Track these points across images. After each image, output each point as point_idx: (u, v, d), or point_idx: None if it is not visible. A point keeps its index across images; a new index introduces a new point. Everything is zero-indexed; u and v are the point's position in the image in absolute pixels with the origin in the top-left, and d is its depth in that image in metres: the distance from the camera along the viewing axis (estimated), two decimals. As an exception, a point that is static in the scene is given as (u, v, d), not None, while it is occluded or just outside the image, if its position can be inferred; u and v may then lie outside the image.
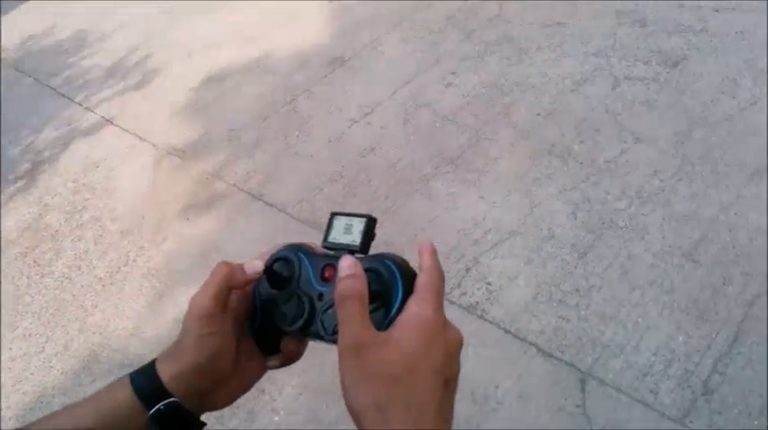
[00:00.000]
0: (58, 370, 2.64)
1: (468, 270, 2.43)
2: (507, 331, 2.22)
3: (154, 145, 3.75)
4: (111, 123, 4.05)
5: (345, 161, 3.18)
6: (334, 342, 0.55)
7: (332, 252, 0.61)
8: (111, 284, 2.97)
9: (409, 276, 0.55)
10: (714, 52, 3.18)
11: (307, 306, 0.59)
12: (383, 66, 3.78)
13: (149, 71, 4.45)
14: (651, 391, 1.95)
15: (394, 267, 0.56)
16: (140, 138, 3.84)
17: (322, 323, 0.58)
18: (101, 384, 2.33)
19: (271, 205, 3.09)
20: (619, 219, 2.51)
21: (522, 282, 2.38)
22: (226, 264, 0.60)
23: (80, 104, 4.33)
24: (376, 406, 0.49)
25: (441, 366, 0.51)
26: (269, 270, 0.62)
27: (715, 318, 2.09)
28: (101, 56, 4.84)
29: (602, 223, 2.52)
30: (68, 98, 4.43)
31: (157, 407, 0.57)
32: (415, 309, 0.53)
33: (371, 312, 0.53)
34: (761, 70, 3.00)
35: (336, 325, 0.54)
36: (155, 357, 0.61)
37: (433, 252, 0.58)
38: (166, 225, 3.19)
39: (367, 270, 0.55)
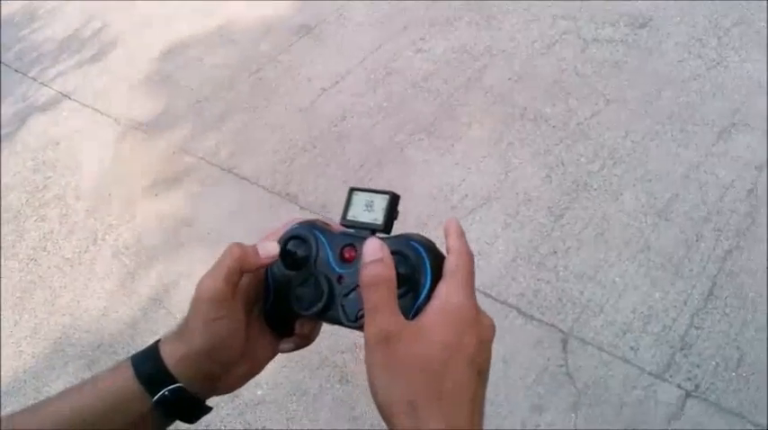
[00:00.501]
0: (29, 354, 2.57)
1: (445, 236, 2.43)
2: (488, 295, 2.23)
3: (116, 119, 3.63)
4: (69, 98, 3.89)
5: (317, 130, 3.13)
6: (357, 328, 0.52)
7: (351, 230, 0.57)
8: (80, 264, 2.89)
9: (438, 259, 0.52)
10: (680, 13, 3.20)
11: (325, 289, 0.55)
12: (350, 33, 3.71)
13: (106, 43, 4.28)
14: (631, 348, 2.00)
15: (421, 249, 0.53)
16: (101, 113, 3.71)
17: (343, 308, 0.54)
18: (73, 367, 2.26)
19: (242, 178, 3.03)
20: (593, 181, 2.53)
21: (501, 247, 2.39)
22: (238, 245, 0.56)
23: (35, 79, 4.15)
24: (408, 402, 0.46)
25: (474, 356, 0.49)
26: (283, 249, 0.58)
27: (690, 274, 2.14)
28: (54, 28, 4.64)
29: (577, 185, 2.54)
30: (22, 73, 4.24)
31: (162, 392, 0.54)
32: (446, 295, 0.50)
33: (398, 298, 0.50)
34: (725, 29, 3.04)
35: (360, 310, 0.51)
36: (158, 338, 0.58)
37: (461, 233, 0.54)
38: (134, 201, 3.10)
39: (392, 253, 0.51)
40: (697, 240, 2.22)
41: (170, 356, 0.55)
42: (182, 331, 0.56)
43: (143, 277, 2.75)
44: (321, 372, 2.22)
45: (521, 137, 2.80)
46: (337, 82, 3.39)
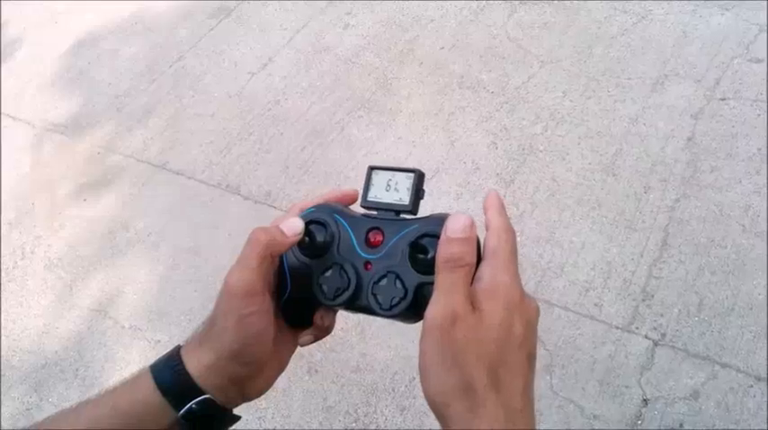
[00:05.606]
0: (-34, 384, 2.38)
1: (398, 213, 2.39)
2: (449, 268, 2.21)
3: (29, 123, 3.37)
4: (-28, 105, 3.59)
5: (251, 116, 3.00)
6: (391, 316, 0.50)
7: (374, 212, 0.54)
8: (10, 282, 2.68)
9: (476, 242, 0.50)
10: (601, -30, 3.23)
11: (352, 276, 0.52)
12: (272, 13, 3.57)
13: (8, 42, 3.96)
14: (596, 305, 2.02)
15: None
16: (11, 118, 3.44)
17: (375, 297, 0.50)
18: (18, 391, 2.08)
19: (177, 173, 2.88)
20: (538, 144, 2.54)
21: (455, 218, 2.37)
22: (262, 229, 0.52)
23: (-71, 87, 3.80)
24: (464, 388, 0.43)
25: (524, 339, 0.47)
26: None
27: (642, 226, 2.18)
28: (-57, 30, 4.26)
29: (523, 149, 2.54)
30: None
31: (189, 406, 0.50)
32: (491, 276, 0.47)
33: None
34: (646, -16, 3.10)
35: (394, 298, 0.49)
36: (178, 345, 0.53)
37: (501, 207, 0.51)
38: (62, 209, 2.90)
39: (423, 235, 0.49)
40: (645, 192, 2.27)
41: (196, 364, 0.51)
42: (207, 334, 0.52)
43: (82, 288, 2.58)
44: (288, 366, 2.14)
45: (461, 105, 2.78)
46: (265, 64, 3.26)
